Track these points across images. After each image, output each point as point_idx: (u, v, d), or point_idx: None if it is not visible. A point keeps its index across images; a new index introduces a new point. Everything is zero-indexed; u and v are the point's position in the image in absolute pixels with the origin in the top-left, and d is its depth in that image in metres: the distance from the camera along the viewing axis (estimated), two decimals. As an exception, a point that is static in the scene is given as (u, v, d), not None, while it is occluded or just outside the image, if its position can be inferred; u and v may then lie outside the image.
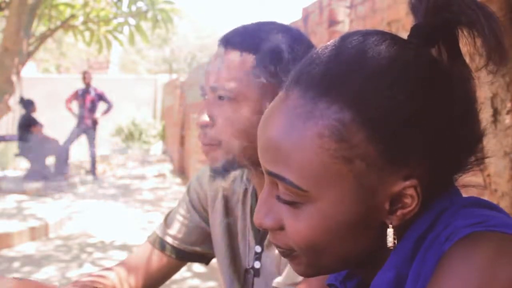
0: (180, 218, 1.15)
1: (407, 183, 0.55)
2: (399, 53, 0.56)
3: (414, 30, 0.60)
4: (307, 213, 0.56)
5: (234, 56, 0.94)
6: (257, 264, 1.04)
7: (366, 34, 0.58)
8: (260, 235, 1.03)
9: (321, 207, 0.56)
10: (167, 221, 1.16)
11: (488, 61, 0.57)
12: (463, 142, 0.59)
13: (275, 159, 0.57)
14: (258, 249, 1.03)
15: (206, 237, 1.14)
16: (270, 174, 0.58)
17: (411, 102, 0.55)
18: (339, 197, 0.55)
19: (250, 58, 0.93)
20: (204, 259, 1.17)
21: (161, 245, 1.13)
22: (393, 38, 0.58)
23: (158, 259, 1.12)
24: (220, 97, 0.94)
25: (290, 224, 0.57)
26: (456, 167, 0.61)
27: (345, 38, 0.59)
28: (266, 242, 1.02)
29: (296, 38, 0.96)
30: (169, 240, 1.13)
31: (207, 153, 0.98)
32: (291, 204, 0.57)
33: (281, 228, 0.59)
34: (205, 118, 0.95)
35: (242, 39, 0.95)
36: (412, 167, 0.56)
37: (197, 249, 1.14)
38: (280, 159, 0.56)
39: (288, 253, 0.60)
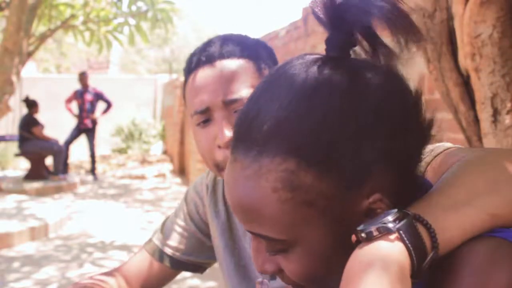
0: (178, 228, 1.15)
1: (370, 200, 0.56)
2: (325, 81, 0.56)
3: (329, 43, 0.59)
4: (296, 255, 0.58)
5: (236, 64, 0.93)
6: None
7: (288, 72, 0.58)
8: None
9: (305, 247, 0.58)
10: (164, 231, 1.16)
11: (406, 43, 0.57)
12: (414, 134, 0.58)
13: (247, 219, 0.59)
14: None
15: (202, 247, 1.15)
16: (249, 232, 0.60)
17: (349, 127, 0.54)
18: (316, 234, 0.57)
19: (251, 63, 0.94)
20: (200, 268, 1.18)
21: (160, 255, 1.14)
22: (313, 65, 0.57)
23: (155, 269, 1.13)
24: (238, 108, 0.91)
25: (286, 267, 0.60)
26: (416, 160, 0.60)
27: (267, 83, 0.59)
28: None
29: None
30: (167, 250, 1.14)
31: None
32: (279, 251, 0.59)
33: (282, 269, 0.61)
34: (230, 134, 0.92)
35: (233, 48, 0.95)
36: (372, 181, 0.56)
37: (193, 259, 1.15)
38: (251, 219, 0.58)
39: (300, 287, 0.62)
